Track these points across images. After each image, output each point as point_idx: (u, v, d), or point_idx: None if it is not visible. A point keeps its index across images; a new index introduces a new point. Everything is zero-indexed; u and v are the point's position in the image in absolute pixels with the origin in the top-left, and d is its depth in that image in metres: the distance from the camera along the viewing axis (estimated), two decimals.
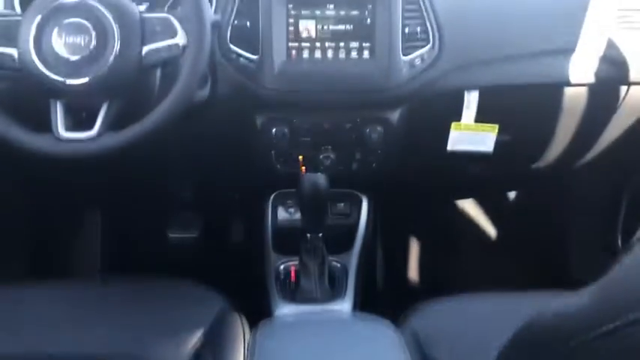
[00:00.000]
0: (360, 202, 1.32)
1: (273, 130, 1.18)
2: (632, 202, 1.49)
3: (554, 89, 1.21)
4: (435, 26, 1.15)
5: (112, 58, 0.92)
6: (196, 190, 1.72)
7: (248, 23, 1.12)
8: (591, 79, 1.19)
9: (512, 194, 1.82)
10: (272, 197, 1.32)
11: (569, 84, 1.19)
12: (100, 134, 0.93)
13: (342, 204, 1.30)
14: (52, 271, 1.61)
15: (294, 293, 1.18)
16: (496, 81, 1.18)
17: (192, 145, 1.26)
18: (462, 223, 1.85)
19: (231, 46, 1.13)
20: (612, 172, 1.51)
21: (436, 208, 1.85)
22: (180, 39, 0.94)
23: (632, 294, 0.37)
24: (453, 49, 1.15)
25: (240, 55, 1.12)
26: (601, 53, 1.18)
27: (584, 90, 1.22)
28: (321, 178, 1.06)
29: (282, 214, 1.31)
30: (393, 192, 1.47)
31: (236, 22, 1.13)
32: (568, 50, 1.18)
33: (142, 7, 1.23)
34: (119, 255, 1.70)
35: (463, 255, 1.79)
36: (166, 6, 1.24)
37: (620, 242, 1.51)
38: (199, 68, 0.94)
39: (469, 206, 1.87)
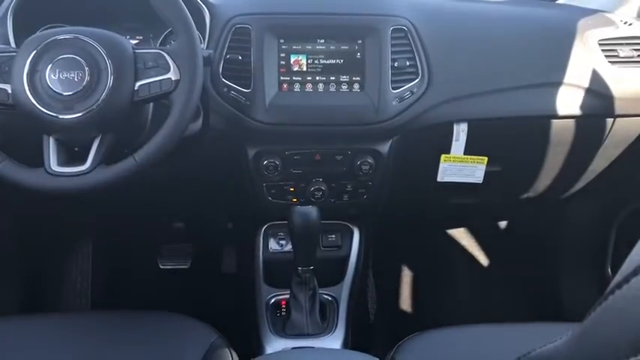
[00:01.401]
0: (352, 233, 1.33)
1: (265, 161, 1.19)
2: (622, 231, 1.50)
3: (542, 121, 1.23)
4: (424, 60, 1.17)
5: (104, 93, 0.92)
6: (187, 220, 1.72)
7: (240, 57, 1.13)
8: (578, 112, 1.21)
9: (502, 223, 1.83)
10: (263, 229, 1.32)
11: (556, 116, 1.21)
12: (92, 168, 0.93)
13: (333, 236, 1.31)
14: (44, 301, 1.60)
15: (284, 327, 1.17)
16: (485, 114, 1.20)
17: (183, 176, 1.26)
18: (452, 252, 1.85)
19: (224, 80, 1.14)
20: (601, 202, 1.52)
21: (426, 238, 1.86)
22: (173, 74, 0.95)
23: (608, 343, 0.37)
24: (442, 82, 1.17)
25: (231, 89, 1.13)
26: (587, 86, 1.21)
27: (571, 122, 1.24)
28: (312, 211, 1.07)
29: (273, 246, 1.31)
30: (383, 222, 1.47)
31: (228, 56, 1.14)
32: (555, 83, 1.20)
33: (134, 42, 1.27)
34: (111, 285, 1.68)
35: (454, 284, 1.79)
36: (158, 41, 1.27)
37: (610, 271, 1.52)
38: (192, 103, 0.95)
39: (459, 235, 1.87)
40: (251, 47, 1.13)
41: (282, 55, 1.15)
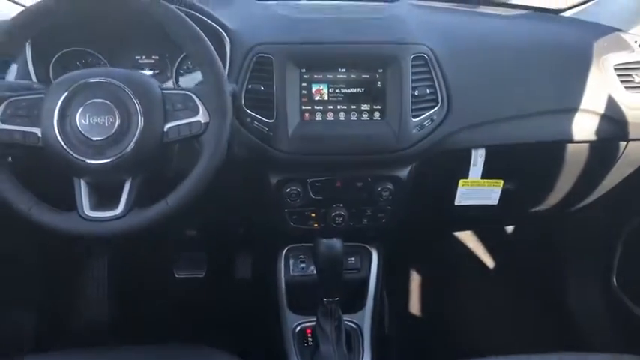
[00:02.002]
0: (370, 255, 1.35)
1: (287, 189, 1.20)
2: (628, 243, 1.54)
3: (558, 146, 1.26)
4: (443, 87, 1.17)
5: (135, 138, 0.93)
6: (200, 228, 1.74)
7: (262, 87, 1.14)
8: (593, 137, 1.24)
9: (509, 228, 1.86)
10: (284, 252, 1.34)
11: (571, 141, 1.24)
12: (125, 213, 0.94)
13: (353, 258, 1.33)
14: (61, 311, 1.63)
15: (312, 358, 1.21)
16: (503, 140, 1.22)
17: (205, 203, 1.28)
18: (458, 256, 1.88)
19: (246, 110, 1.14)
20: (610, 214, 1.56)
21: (432, 242, 1.89)
22: (202, 117, 0.96)
23: None
24: (461, 110, 1.18)
25: (254, 119, 1.14)
26: (603, 112, 1.23)
27: (585, 146, 1.27)
28: (337, 244, 1.09)
29: (294, 268, 1.34)
30: (397, 240, 1.50)
31: (250, 86, 1.14)
32: (572, 109, 1.22)
33: (150, 61, 1.26)
34: (126, 296, 1.71)
35: (460, 291, 1.83)
36: (175, 63, 1.25)
37: (615, 281, 1.56)
38: (222, 145, 0.96)
39: (466, 238, 1.91)
40: (273, 77, 1.13)
41: (304, 84, 1.15)
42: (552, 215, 1.53)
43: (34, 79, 1.17)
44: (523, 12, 1.54)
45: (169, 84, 1.26)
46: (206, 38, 0.97)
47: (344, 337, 1.15)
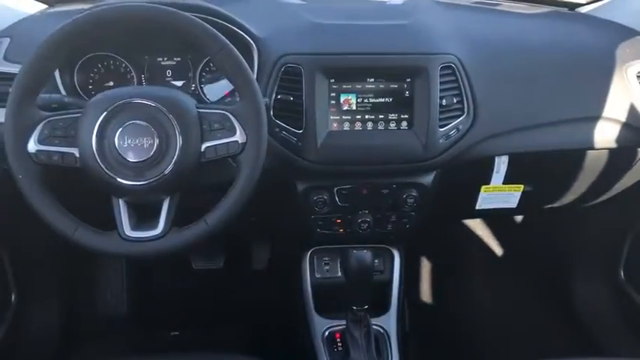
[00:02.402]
0: (392, 256, 1.38)
1: (314, 197, 1.22)
2: (636, 240, 1.59)
3: (578, 152, 1.28)
4: (469, 96, 1.18)
5: (174, 160, 0.94)
6: None
7: (291, 98, 1.14)
8: (613, 145, 1.26)
9: (520, 222, 1.89)
10: (309, 254, 1.37)
11: (592, 148, 1.26)
12: (165, 233, 0.96)
13: (377, 260, 1.36)
14: (81, 306, 1.66)
15: None
16: (526, 147, 1.23)
17: None
18: (467, 245, 1.92)
19: (275, 120, 1.14)
20: (619, 213, 1.60)
21: (441, 231, 1.91)
22: (240, 137, 0.97)
23: None
24: (486, 119, 1.20)
25: (283, 129, 1.14)
26: (624, 120, 1.25)
27: (604, 152, 1.29)
28: (367, 256, 1.12)
29: (319, 271, 1.37)
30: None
31: (279, 96, 1.14)
32: (594, 118, 1.24)
33: (172, 63, 1.25)
34: (145, 288, 1.74)
35: (468, 280, 1.88)
36: (199, 67, 1.25)
37: (622, 276, 1.61)
38: (259, 164, 0.97)
39: (475, 226, 1.95)
40: (302, 88, 1.13)
41: (333, 94, 1.16)
42: (564, 211, 1.56)
43: (61, 87, 1.16)
44: (542, 10, 1.53)
45: (191, 86, 1.26)
46: (244, 60, 0.97)
47: (373, 343, 1.20)
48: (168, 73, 1.25)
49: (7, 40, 1.18)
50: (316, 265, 1.37)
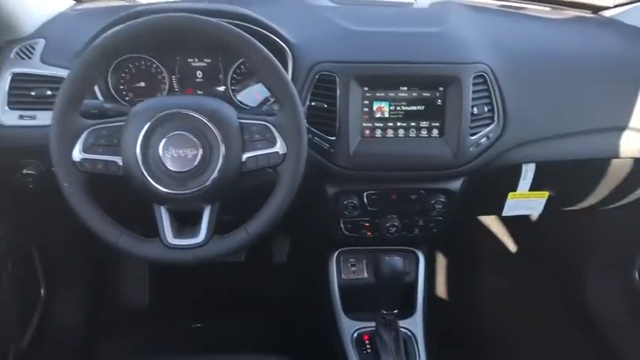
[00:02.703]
0: (417, 259, 1.41)
1: (344, 201, 1.24)
2: None
3: (604, 161, 1.30)
4: (500, 105, 1.20)
5: (216, 171, 0.96)
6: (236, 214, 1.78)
7: (325, 105, 1.15)
8: (638, 154, 1.28)
9: (534, 224, 1.91)
10: (335, 255, 1.39)
11: (618, 157, 1.28)
12: (207, 241, 0.98)
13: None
14: (105, 299, 1.69)
15: None
16: (554, 156, 1.25)
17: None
18: (481, 240, 1.95)
19: (308, 127, 1.15)
20: (636, 214, 1.62)
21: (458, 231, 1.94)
22: (280, 148, 0.98)
23: None
24: (516, 128, 1.21)
25: (315, 135, 1.16)
26: None
27: (629, 160, 1.31)
28: (399, 263, 1.14)
29: (346, 272, 1.39)
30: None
31: (313, 103, 1.15)
32: (621, 127, 1.25)
33: (202, 64, 1.26)
34: (167, 281, 1.77)
35: (482, 275, 1.90)
36: (231, 69, 1.25)
37: (637, 275, 1.64)
38: (299, 175, 0.99)
39: (489, 222, 1.97)
40: (337, 95, 1.15)
41: (366, 102, 1.17)
42: (582, 213, 1.59)
43: (97, 91, 1.17)
44: (567, 14, 1.54)
45: (221, 88, 1.27)
46: (286, 74, 0.98)
47: (402, 346, 1.23)
48: (199, 74, 1.26)
49: (42, 42, 1.19)
50: (343, 266, 1.40)
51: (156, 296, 1.77)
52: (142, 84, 1.25)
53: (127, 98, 1.24)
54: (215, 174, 0.96)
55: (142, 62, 1.25)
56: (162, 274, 1.79)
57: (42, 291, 1.49)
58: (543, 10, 1.58)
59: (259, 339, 1.62)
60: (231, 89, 1.27)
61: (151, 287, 1.77)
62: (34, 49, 1.17)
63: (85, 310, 1.62)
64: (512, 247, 1.94)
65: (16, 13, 1.18)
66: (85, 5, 1.40)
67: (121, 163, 0.96)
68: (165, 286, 1.78)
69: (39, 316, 1.45)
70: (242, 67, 1.26)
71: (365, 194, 1.25)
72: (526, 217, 1.95)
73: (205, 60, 1.26)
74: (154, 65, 1.25)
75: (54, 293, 1.53)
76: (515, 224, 1.96)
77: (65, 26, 1.26)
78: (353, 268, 1.39)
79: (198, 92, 1.26)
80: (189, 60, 1.26)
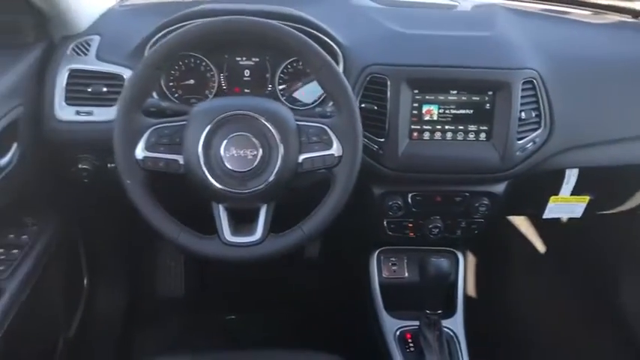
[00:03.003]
0: (457, 259, 1.43)
1: (389, 202, 1.26)
2: None
3: None
4: (547, 110, 1.21)
5: (275, 171, 0.98)
6: None
7: (375, 107, 1.17)
8: None
9: (566, 225, 1.92)
10: (376, 254, 1.41)
11: None
12: (263, 239, 1.00)
13: None
14: (143, 290, 1.73)
15: None
16: (598, 162, 1.27)
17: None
18: (510, 240, 1.96)
19: None
20: None
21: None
22: (336, 150, 1.00)
23: None
24: (562, 133, 1.22)
25: (364, 137, 1.17)
26: None
27: None
28: (445, 263, 1.16)
29: (386, 270, 1.41)
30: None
31: (363, 105, 1.17)
32: None
33: (250, 63, 1.27)
34: (202, 273, 1.80)
35: (516, 276, 1.91)
36: (279, 68, 1.27)
37: None
38: (354, 177, 1.01)
39: (518, 222, 1.97)
40: (387, 98, 1.16)
41: (415, 104, 1.18)
42: (616, 215, 1.59)
43: None
44: (609, 19, 1.54)
45: (267, 88, 1.28)
46: (344, 77, 1.00)
47: (446, 346, 1.25)
48: (246, 73, 1.28)
49: (97, 38, 1.21)
50: (383, 265, 1.42)
51: (191, 288, 1.81)
52: (192, 82, 1.27)
53: (175, 95, 1.26)
54: (273, 174, 0.98)
55: (192, 60, 1.26)
56: (197, 266, 1.82)
57: (85, 282, 1.52)
58: (584, 15, 1.58)
59: (291, 333, 1.65)
60: (278, 89, 1.28)
61: (187, 279, 1.80)
62: (89, 45, 1.20)
63: (124, 300, 1.65)
64: (542, 247, 1.95)
65: (70, 10, 1.20)
66: (131, 1, 1.42)
67: (182, 162, 0.99)
68: (201, 278, 1.81)
69: (83, 306, 1.48)
70: (289, 67, 1.27)
71: (410, 195, 1.27)
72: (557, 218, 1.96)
73: (253, 59, 1.28)
74: (204, 63, 1.26)
75: (96, 284, 1.57)
76: (546, 224, 1.97)
77: (118, 23, 1.28)
78: (394, 267, 1.41)
79: (245, 91, 1.28)
80: (237, 59, 1.27)
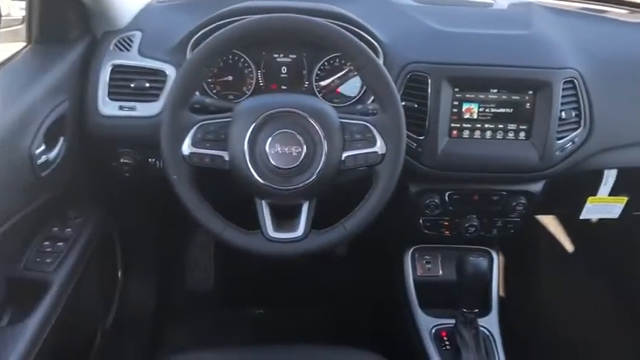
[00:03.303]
0: (492, 258, 1.43)
1: (426, 200, 1.26)
2: None
3: None
4: (587, 110, 1.20)
5: (319, 168, 0.98)
6: None
7: (416, 105, 1.17)
8: None
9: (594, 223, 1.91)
10: (410, 251, 1.42)
11: None
12: (306, 235, 1.01)
13: None
14: (173, 284, 1.75)
15: None
16: (636, 162, 1.26)
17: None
18: (542, 240, 1.95)
19: None
20: None
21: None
22: (380, 148, 1.00)
23: None
24: (602, 133, 1.22)
25: None
26: None
27: None
28: (483, 263, 1.16)
29: (421, 268, 1.42)
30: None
31: (403, 103, 1.16)
32: None
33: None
34: (231, 267, 1.81)
35: (545, 275, 1.91)
36: (316, 66, 1.27)
37: None
38: (396, 176, 1.01)
39: (547, 222, 1.96)
40: (428, 96, 1.16)
41: (455, 103, 1.18)
42: None
43: None
44: None
45: (304, 85, 1.29)
46: (388, 75, 1.00)
47: (482, 344, 1.25)
48: (283, 70, 1.28)
49: (139, 34, 1.22)
50: (417, 263, 1.42)
51: (221, 282, 1.82)
52: (230, 78, 1.28)
53: (214, 92, 1.27)
54: (317, 171, 0.98)
55: (230, 56, 1.27)
56: (227, 260, 1.84)
57: (119, 275, 1.54)
58: (621, 13, 1.57)
59: (321, 329, 1.66)
60: (315, 86, 1.29)
61: (216, 273, 1.82)
62: (132, 41, 1.21)
63: (155, 293, 1.67)
64: (572, 247, 1.94)
65: (112, 6, 1.22)
66: None
67: (227, 158, 0.99)
68: (230, 272, 1.82)
69: (117, 300, 1.51)
70: (326, 64, 1.28)
71: (447, 194, 1.27)
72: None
73: (290, 56, 1.28)
74: (242, 60, 1.27)
75: (129, 278, 1.59)
76: (576, 223, 1.95)
77: (158, 19, 1.29)
78: (428, 266, 1.42)
79: (282, 88, 1.28)
80: (275, 55, 1.28)
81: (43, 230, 1.17)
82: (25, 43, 1.19)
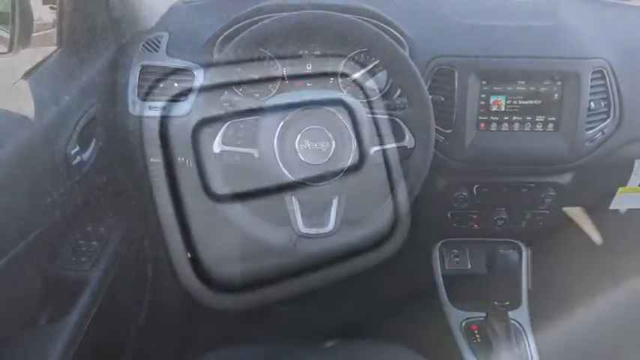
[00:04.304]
0: (521, 251, 1.42)
1: (455, 194, 1.26)
2: None
3: None
4: (617, 100, 1.19)
5: (348, 163, 0.99)
6: None
7: (443, 99, 1.17)
8: None
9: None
10: (438, 245, 1.42)
11: None
12: (336, 230, 1.02)
13: None
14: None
15: (484, 355, 1.30)
16: None
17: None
18: (567, 232, 1.93)
19: None
20: None
21: None
22: (408, 142, 1.01)
23: None
24: (631, 123, 1.21)
25: None
26: None
27: None
28: (514, 256, 1.16)
29: (448, 262, 1.42)
30: None
31: (430, 96, 1.17)
32: None
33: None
34: (257, 263, 1.82)
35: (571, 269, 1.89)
36: (352, 63, 1.28)
37: None
38: (425, 170, 1.01)
39: (577, 216, 1.94)
40: (455, 89, 1.16)
41: (483, 95, 1.18)
42: None
43: None
44: None
45: (329, 81, 1.29)
46: (417, 70, 1.00)
47: (513, 337, 1.25)
48: (309, 66, 1.29)
49: (166, 35, 1.24)
50: (446, 257, 1.42)
51: (248, 278, 1.83)
52: (255, 76, 1.29)
53: (240, 90, 1.28)
54: (346, 167, 0.99)
55: (255, 54, 1.28)
56: (254, 256, 1.85)
57: (149, 273, 1.56)
58: None
59: (351, 325, 1.66)
60: (340, 82, 1.29)
61: (244, 269, 1.83)
62: (159, 42, 1.22)
63: (181, 292, 1.69)
64: (599, 238, 1.92)
65: (140, 7, 1.24)
66: None
67: (257, 155, 1.01)
68: (258, 269, 1.83)
69: (149, 297, 1.53)
70: (351, 60, 1.28)
71: (475, 187, 1.26)
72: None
73: (315, 52, 1.29)
74: (267, 56, 1.28)
75: (158, 275, 1.60)
76: (602, 214, 1.93)
77: (184, 19, 1.30)
78: (456, 259, 1.41)
79: (308, 85, 1.29)
80: (300, 52, 1.29)
81: (77, 230, 1.20)
82: (55, 47, 1.21)
